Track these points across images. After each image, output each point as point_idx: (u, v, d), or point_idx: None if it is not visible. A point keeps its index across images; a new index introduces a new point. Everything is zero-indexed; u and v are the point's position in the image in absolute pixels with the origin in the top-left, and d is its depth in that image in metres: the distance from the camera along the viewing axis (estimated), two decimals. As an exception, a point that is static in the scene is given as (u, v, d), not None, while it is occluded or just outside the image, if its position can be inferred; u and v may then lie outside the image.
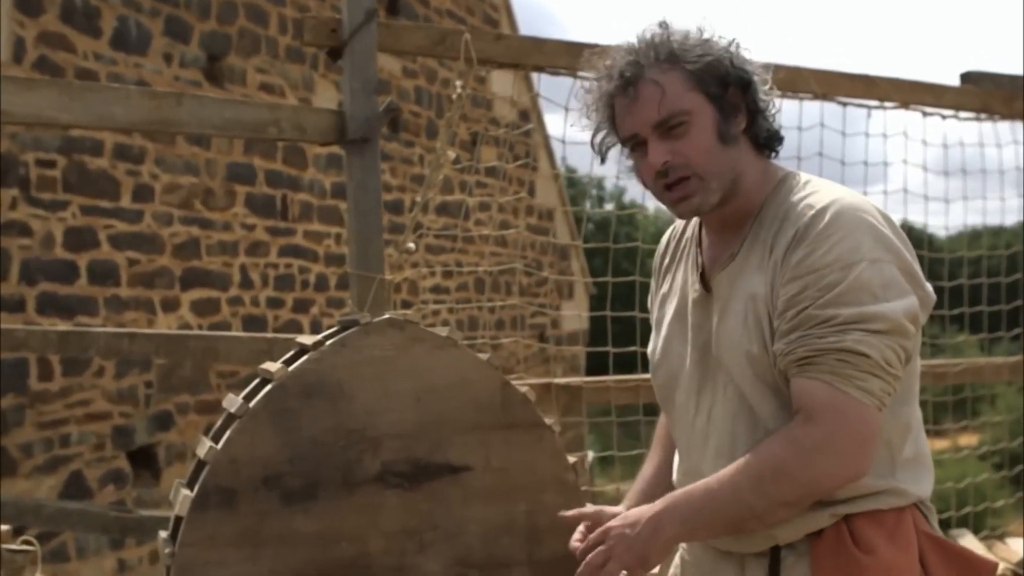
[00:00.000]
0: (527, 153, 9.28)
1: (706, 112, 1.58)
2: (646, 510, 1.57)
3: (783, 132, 1.70)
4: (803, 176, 1.64)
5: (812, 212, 1.52)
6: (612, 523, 1.59)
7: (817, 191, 1.57)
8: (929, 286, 1.58)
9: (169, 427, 6.48)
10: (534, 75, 3.33)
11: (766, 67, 1.65)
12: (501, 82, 9.05)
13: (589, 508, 1.73)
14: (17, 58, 5.45)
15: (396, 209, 8.67)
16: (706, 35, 1.61)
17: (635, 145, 1.62)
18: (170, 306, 6.53)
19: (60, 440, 5.68)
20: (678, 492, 1.59)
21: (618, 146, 1.68)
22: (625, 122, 1.61)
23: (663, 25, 1.62)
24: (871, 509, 1.56)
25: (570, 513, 1.71)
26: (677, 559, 1.84)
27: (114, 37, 6.10)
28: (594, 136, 1.68)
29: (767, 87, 1.64)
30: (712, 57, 1.58)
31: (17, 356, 5.26)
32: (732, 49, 1.61)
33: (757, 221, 1.61)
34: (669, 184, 1.60)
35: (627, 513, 1.61)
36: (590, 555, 1.57)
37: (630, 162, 1.67)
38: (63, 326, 5.58)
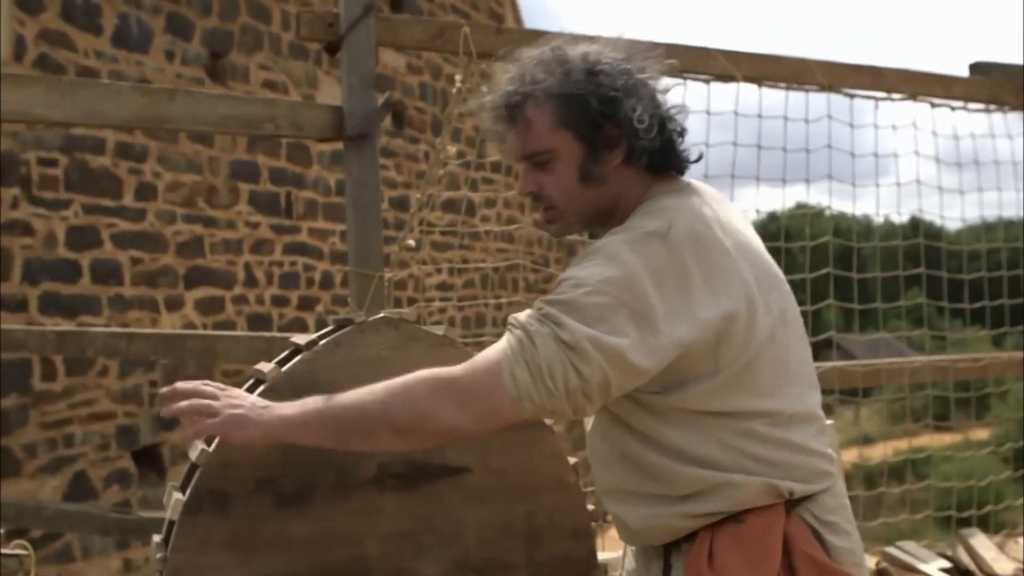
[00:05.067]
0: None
1: (572, 151, 1.63)
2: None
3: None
4: (660, 202, 1.61)
5: (596, 243, 1.58)
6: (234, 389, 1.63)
7: (629, 228, 1.57)
8: (679, 332, 1.49)
9: (174, 427, 6.45)
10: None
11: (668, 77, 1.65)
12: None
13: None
14: (17, 56, 5.42)
15: (402, 206, 8.63)
16: (602, 63, 1.61)
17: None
18: (174, 305, 6.50)
19: (64, 440, 5.66)
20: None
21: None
22: (512, 143, 1.68)
23: (555, 52, 1.64)
24: (713, 511, 1.57)
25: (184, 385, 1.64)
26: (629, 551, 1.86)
27: (115, 35, 6.07)
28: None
29: (673, 107, 1.65)
30: (585, 95, 1.60)
31: (20, 356, 5.23)
32: (631, 75, 1.60)
33: None
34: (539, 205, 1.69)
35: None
36: (197, 400, 1.59)
37: None
38: (66, 326, 5.55)
